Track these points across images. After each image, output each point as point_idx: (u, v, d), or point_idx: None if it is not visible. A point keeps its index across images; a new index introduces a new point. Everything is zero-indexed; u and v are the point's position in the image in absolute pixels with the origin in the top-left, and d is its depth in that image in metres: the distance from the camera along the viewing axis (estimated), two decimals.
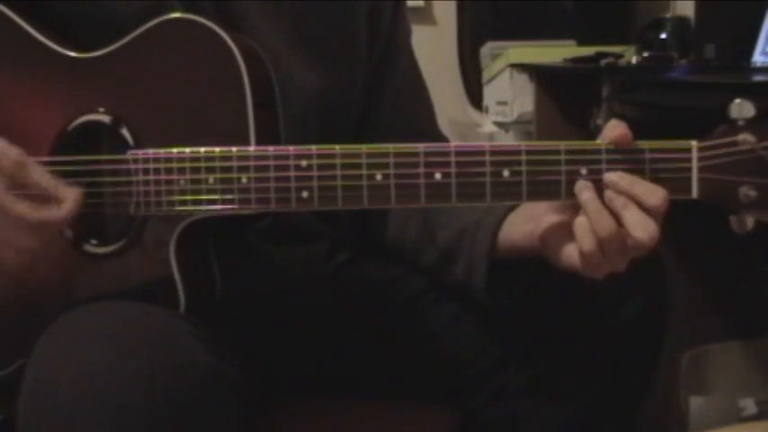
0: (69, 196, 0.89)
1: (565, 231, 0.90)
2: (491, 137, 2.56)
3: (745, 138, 0.84)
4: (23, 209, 0.88)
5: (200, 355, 0.82)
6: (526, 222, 0.96)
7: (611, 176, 0.87)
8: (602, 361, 1.05)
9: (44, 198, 0.89)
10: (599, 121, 1.84)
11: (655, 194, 0.85)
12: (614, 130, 0.87)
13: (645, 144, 0.87)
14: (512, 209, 0.98)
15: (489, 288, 1.00)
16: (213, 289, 0.96)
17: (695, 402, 1.82)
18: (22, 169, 0.89)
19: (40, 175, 0.89)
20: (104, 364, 0.78)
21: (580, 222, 0.87)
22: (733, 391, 1.84)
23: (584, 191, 0.87)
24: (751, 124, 0.85)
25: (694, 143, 0.87)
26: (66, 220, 0.90)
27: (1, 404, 0.93)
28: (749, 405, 1.81)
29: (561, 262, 0.91)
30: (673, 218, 0.88)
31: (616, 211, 0.86)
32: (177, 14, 0.94)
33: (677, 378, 1.82)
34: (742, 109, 0.85)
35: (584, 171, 0.87)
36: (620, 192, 0.86)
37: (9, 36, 0.96)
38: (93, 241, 0.94)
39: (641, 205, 0.86)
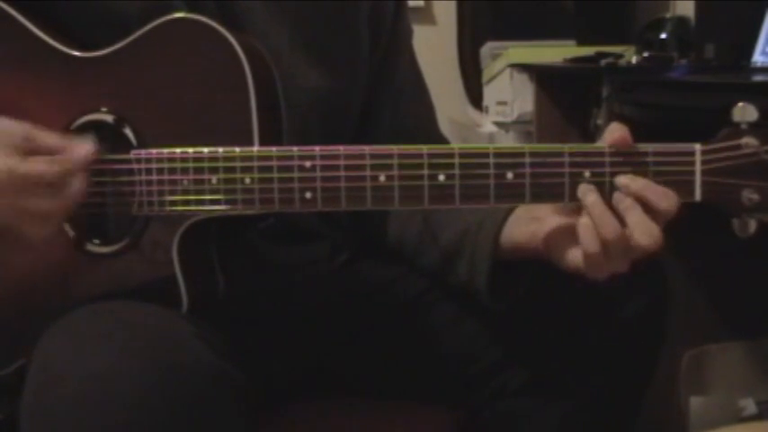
0: (83, 145, 0.89)
1: (568, 232, 0.91)
2: (491, 137, 2.56)
3: (749, 141, 0.85)
4: (42, 167, 0.86)
5: (202, 355, 0.82)
6: (529, 224, 0.96)
7: (622, 179, 0.87)
8: (603, 361, 1.05)
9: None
10: (599, 122, 1.85)
11: (667, 198, 0.86)
12: (614, 133, 0.88)
13: (648, 147, 0.87)
14: (512, 209, 0.98)
15: (491, 289, 1.00)
16: (215, 289, 0.96)
17: (695, 402, 1.82)
18: (32, 138, 0.87)
19: (51, 138, 0.88)
20: (108, 364, 0.78)
21: (584, 223, 0.87)
22: (733, 391, 1.84)
23: (589, 193, 0.87)
24: (754, 128, 0.85)
25: (698, 146, 0.87)
26: (84, 165, 0.88)
27: (1, 404, 0.93)
28: (749, 405, 1.81)
29: (565, 263, 0.92)
30: (673, 218, 0.88)
31: (621, 214, 0.86)
32: (181, 14, 0.93)
33: (677, 378, 1.82)
34: (745, 112, 0.85)
35: (587, 174, 0.87)
36: (632, 194, 0.86)
37: (12, 34, 0.96)
38: (96, 241, 0.94)
39: (651, 208, 0.86)
